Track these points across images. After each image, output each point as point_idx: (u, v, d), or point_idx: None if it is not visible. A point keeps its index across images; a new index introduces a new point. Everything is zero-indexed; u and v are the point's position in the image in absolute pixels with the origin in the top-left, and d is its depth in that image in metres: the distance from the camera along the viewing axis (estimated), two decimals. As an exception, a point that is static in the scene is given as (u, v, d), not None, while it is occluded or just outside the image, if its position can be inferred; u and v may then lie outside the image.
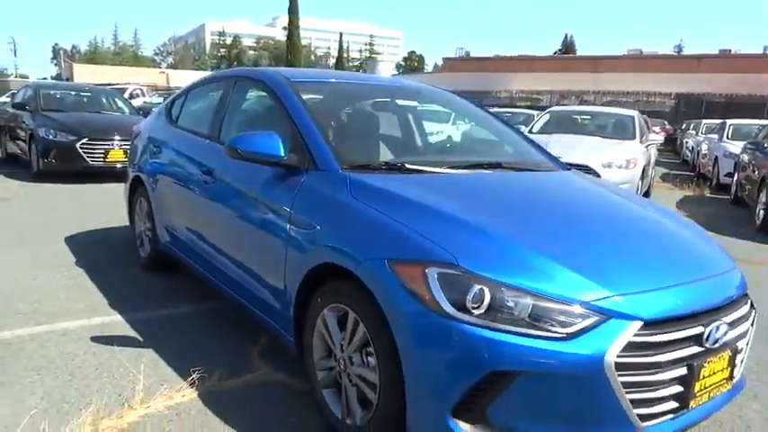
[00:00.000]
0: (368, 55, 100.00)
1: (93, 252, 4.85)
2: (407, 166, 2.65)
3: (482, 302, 1.84)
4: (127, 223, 4.93)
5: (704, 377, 2.00)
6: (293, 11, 59.63)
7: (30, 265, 4.39)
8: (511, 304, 1.84)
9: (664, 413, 1.95)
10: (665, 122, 30.85)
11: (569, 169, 3.29)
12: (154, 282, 4.13)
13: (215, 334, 3.28)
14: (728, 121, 13.51)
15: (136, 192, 4.49)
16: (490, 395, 1.83)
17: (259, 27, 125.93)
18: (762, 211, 7.51)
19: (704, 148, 14.22)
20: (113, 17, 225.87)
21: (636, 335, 1.83)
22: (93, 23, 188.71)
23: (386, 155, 2.96)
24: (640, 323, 1.84)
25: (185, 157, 3.66)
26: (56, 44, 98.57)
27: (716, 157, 12.20)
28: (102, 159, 8.57)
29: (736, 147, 11.01)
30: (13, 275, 4.13)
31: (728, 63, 36.26)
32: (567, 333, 1.80)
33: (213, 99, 3.74)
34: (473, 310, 1.83)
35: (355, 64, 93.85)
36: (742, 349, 2.20)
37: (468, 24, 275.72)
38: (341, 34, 78.13)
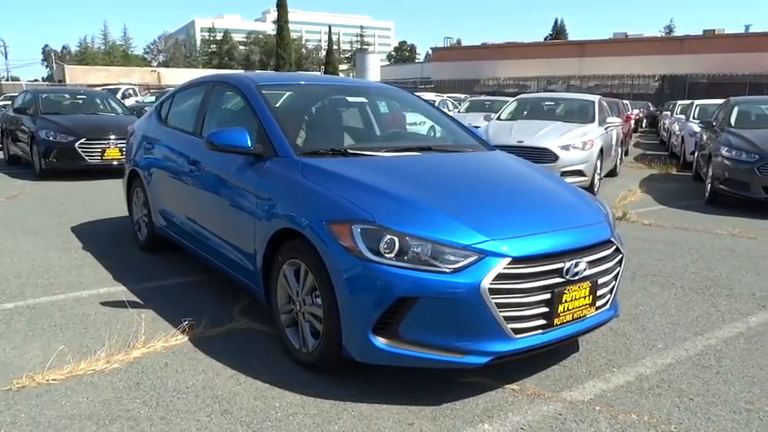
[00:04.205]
0: (359, 47, 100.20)
1: (98, 238, 5.50)
2: (349, 150, 3.31)
3: (394, 248, 2.50)
4: (125, 214, 5.59)
5: (566, 301, 2.66)
6: (282, 5, 59.86)
7: (44, 249, 5.05)
8: (415, 249, 2.50)
9: (534, 328, 2.61)
10: (650, 104, 31.51)
11: (494, 150, 3.94)
12: (151, 260, 4.79)
13: (204, 298, 3.94)
14: (695, 102, 14.15)
15: (132, 184, 5.14)
16: (400, 316, 2.50)
17: (249, 22, 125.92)
18: (709, 185, 8.18)
19: (676, 128, 14.86)
20: (102, 16, 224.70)
21: (506, 268, 2.48)
22: (81, 23, 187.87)
23: (335, 143, 3.61)
24: (509, 259, 2.50)
25: (174, 152, 4.30)
26: (46, 45, 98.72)
27: (682, 137, 12.85)
28: (99, 157, 9.21)
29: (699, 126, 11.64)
30: (31, 257, 4.80)
31: (711, 43, 36.91)
32: (453, 268, 2.46)
33: (196, 101, 4.38)
34: (386, 254, 2.49)
35: (346, 56, 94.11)
36: (604, 283, 2.86)
37: (460, 13, 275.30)
38: (329, 27, 78.33)
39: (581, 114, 9.39)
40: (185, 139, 4.20)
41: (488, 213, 2.75)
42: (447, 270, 2.46)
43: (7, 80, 62.15)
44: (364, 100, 4.23)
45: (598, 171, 8.56)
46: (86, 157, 9.13)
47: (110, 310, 3.66)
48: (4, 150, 11.59)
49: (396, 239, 2.50)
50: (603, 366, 3.05)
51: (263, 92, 3.66)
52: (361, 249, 2.52)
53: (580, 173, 8.09)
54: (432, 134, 4.57)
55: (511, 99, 11.12)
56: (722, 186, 7.72)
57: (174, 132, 4.46)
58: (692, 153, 11.77)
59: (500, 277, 2.47)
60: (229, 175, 3.49)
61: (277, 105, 3.79)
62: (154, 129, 4.85)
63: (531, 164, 3.74)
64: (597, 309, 2.86)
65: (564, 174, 7.95)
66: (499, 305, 2.48)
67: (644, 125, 28.19)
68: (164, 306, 3.74)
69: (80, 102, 10.95)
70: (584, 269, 2.70)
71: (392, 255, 2.49)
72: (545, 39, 73.71)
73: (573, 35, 78.25)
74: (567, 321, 2.71)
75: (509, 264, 2.50)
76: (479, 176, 3.34)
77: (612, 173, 10.68)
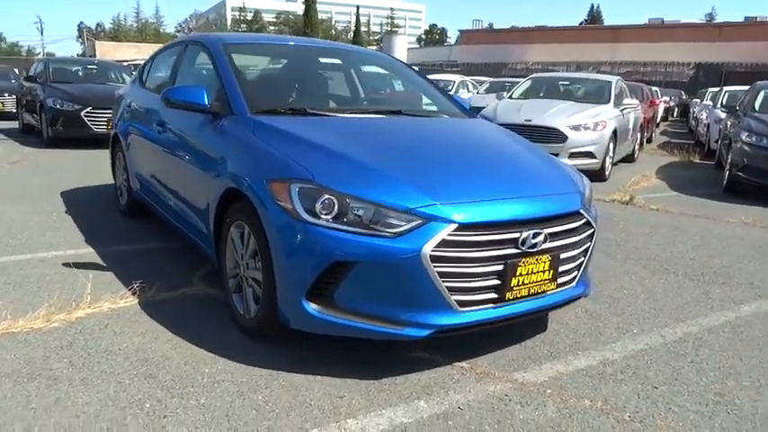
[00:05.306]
0: (389, 29, 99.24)
1: (84, 203, 5.45)
2: (308, 110, 3.14)
3: (332, 210, 2.32)
4: (115, 181, 5.51)
5: (521, 274, 2.45)
6: (311, -16, 59.48)
7: (26, 212, 5.00)
8: (355, 211, 2.32)
9: (483, 302, 2.42)
10: (682, 92, 30.49)
11: (475, 117, 3.72)
12: (128, 225, 4.71)
13: (168, 263, 3.83)
14: (725, 88, 13.55)
15: (116, 149, 5.06)
16: (335, 282, 2.33)
17: (280, 2, 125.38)
18: (727, 173, 7.77)
19: (703, 116, 14.27)
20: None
21: (450, 234, 2.29)
22: (116, 1, 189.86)
23: (295, 102, 3.43)
24: (455, 225, 2.30)
25: (147, 113, 4.19)
26: (81, 22, 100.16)
27: (708, 124, 12.32)
28: (105, 127, 9.16)
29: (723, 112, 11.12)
30: (11, 219, 4.76)
31: (752, 31, 35.38)
32: (394, 232, 2.28)
33: (170, 62, 4.25)
34: (323, 216, 2.32)
35: (375, 38, 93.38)
36: (569, 258, 2.64)
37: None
38: (357, 8, 77.68)
39: (597, 95, 9.00)
40: (156, 100, 4.05)
41: (442, 177, 2.55)
42: (387, 234, 2.28)
43: (42, 55, 63.40)
44: (338, 61, 4.04)
45: (610, 154, 8.21)
46: (92, 126, 9.13)
47: (69, 271, 3.57)
48: (18, 119, 11.71)
49: (334, 200, 2.33)
50: (567, 348, 2.84)
51: (230, 50, 3.49)
52: (297, 209, 2.35)
53: (590, 155, 7.77)
54: (419, 104, 4.35)
55: (524, 78, 10.75)
56: (740, 174, 7.32)
57: (149, 93, 4.35)
58: (717, 141, 11.28)
59: (444, 244, 2.28)
60: (189, 134, 3.36)
61: (245, 65, 3.63)
62: (134, 92, 4.75)
63: (510, 133, 3.51)
64: (560, 285, 2.65)
65: (573, 155, 7.66)
66: (442, 274, 2.29)
67: (675, 114, 27.27)
68: (125, 269, 3.64)
69: (92, 72, 10.95)
70: (544, 241, 2.48)
71: (330, 216, 2.32)
72: (580, 24, 71.88)
73: (608, 22, 76.06)
74: (522, 296, 2.50)
75: (455, 230, 2.30)
76: (445, 141, 3.13)
77: (630, 158, 10.27)
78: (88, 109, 9.08)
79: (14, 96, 12.42)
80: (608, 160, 8.16)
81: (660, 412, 2.32)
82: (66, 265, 3.68)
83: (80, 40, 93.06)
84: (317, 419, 2.15)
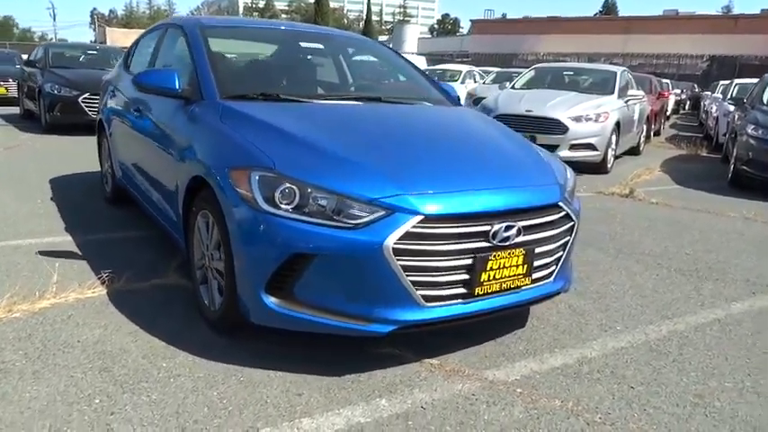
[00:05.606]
0: (401, 18, 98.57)
1: (71, 190, 5.39)
2: (281, 96, 3.03)
3: (293, 199, 2.22)
4: (106, 167, 5.43)
5: (492, 269, 2.34)
6: (322, -27, 59.05)
7: (12, 198, 4.95)
8: (316, 201, 2.22)
9: (451, 297, 2.31)
10: (695, 85, 29.99)
11: (459, 105, 3.60)
12: (111, 213, 4.64)
13: (145, 252, 3.74)
14: (735, 80, 13.26)
15: (101, 135, 4.98)
16: (295, 275, 2.23)
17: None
18: (732, 166, 7.58)
19: (713, 108, 13.98)
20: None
21: (415, 227, 2.18)
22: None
23: (269, 87, 3.30)
24: (420, 217, 2.19)
25: (127, 99, 4.11)
26: (94, 8, 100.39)
27: (717, 117, 12.06)
28: (102, 113, 9.11)
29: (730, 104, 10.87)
30: (-7, 205, 4.71)
31: (768, 23, 34.63)
32: (355, 224, 2.18)
33: (151, 46, 4.16)
34: (282, 205, 2.22)
35: (387, 28, 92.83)
36: (545, 252, 2.52)
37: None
38: (369, -3, 77.04)
39: (601, 86, 8.79)
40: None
41: (412, 165, 2.44)
42: (349, 225, 2.18)
43: (55, 41, 63.51)
44: (320, 46, 3.92)
45: (612, 146, 8.03)
46: (89, 112, 9.05)
47: (42, 260, 3.50)
48: (20, 105, 11.69)
49: (296, 189, 2.23)
50: (545, 346, 2.73)
51: (206, 33, 3.39)
52: (256, 198, 2.25)
53: (591, 146, 7.60)
54: (402, 91, 4.22)
55: (528, 69, 10.55)
56: (745, 167, 7.13)
57: (129, 78, 4.24)
58: (725, 135, 11.04)
59: (408, 236, 2.17)
60: (162, 120, 3.27)
61: (225, 49, 3.53)
62: (118, 77, 4.67)
63: (493, 121, 3.39)
64: (535, 281, 2.54)
65: (573, 147, 7.52)
66: (407, 268, 2.19)
67: (687, 107, 26.83)
68: (99, 258, 3.56)
69: (91, 57, 10.88)
70: (517, 234, 2.37)
71: (290, 206, 2.22)
72: (594, 15, 70.79)
73: (623, 13, 74.78)
74: (493, 292, 2.39)
75: (420, 222, 2.19)
76: (422, 129, 3.01)
77: (635, 151, 10.06)
78: (86, 95, 9.02)
79: (17, 82, 12.39)
80: (610, 152, 7.99)
81: (634, 414, 2.21)
82: (42, 253, 3.61)
83: (92, 26, 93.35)
84: (270, 418, 2.06)
